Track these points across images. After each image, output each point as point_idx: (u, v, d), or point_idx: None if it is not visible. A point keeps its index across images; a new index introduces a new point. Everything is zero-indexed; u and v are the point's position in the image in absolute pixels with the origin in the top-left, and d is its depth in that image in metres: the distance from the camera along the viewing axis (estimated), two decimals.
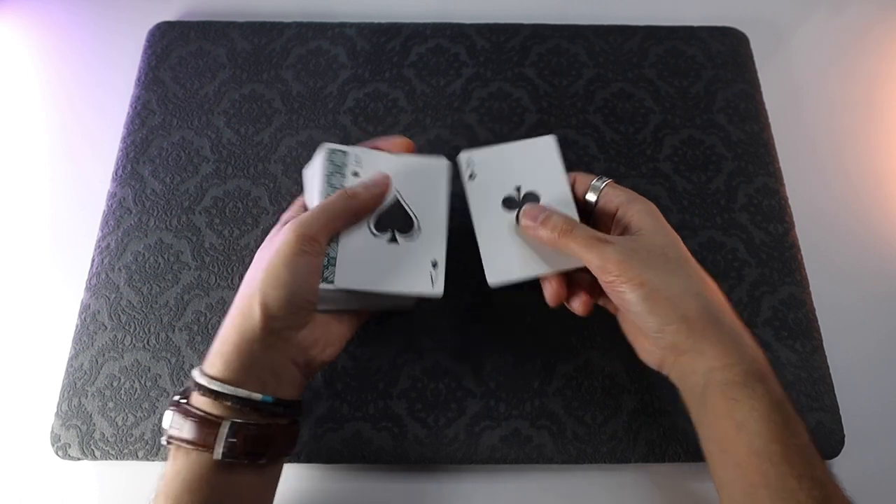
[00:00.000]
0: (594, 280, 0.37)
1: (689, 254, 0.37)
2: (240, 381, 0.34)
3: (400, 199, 0.39)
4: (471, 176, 0.40)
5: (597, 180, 0.40)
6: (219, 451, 0.32)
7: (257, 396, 0.34)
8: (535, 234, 0.38)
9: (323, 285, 0.36)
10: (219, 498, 0.33)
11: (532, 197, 0.40)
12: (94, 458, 0.42)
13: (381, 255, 0.38)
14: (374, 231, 0.38)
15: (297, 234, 0.35)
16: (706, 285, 0.36)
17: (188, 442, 0.33)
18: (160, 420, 0.42)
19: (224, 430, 0.33)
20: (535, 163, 0.41)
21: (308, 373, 0.38)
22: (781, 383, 0.34)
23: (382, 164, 0.39)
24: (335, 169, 0.38)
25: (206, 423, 0.33)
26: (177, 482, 0.33)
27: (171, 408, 0.34)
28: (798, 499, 0.31)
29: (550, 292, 0.39)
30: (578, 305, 0.39)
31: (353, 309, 0.40)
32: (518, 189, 0.40)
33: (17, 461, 0.44)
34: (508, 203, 0.40)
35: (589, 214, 0.40)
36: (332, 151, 0.39)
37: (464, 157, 0.40)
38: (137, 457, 0.42)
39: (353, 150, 0.39)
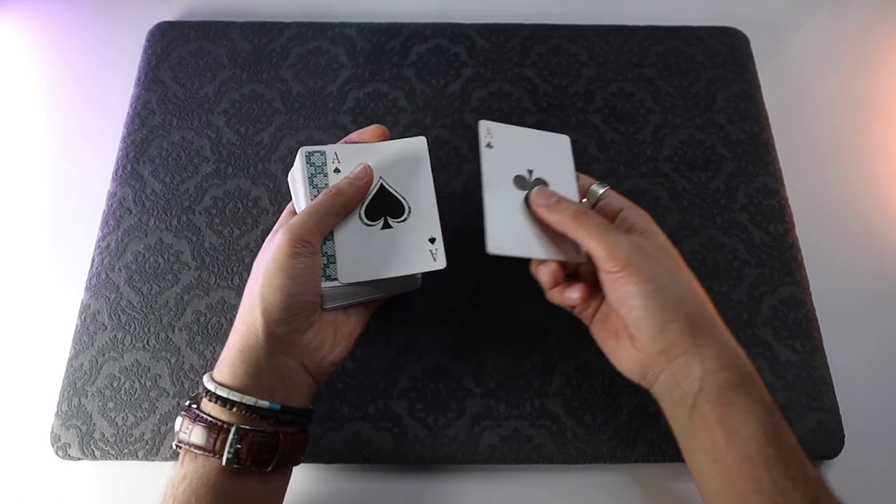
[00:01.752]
0: (593, 277, 0.37)
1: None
2: (247, 388, 0.34)
3: (385, 185, 0.39)
4: (488, 145, 0.40)
5: (597, 185, 0.40)
6: (225, 457, 0.33)
7: (264, 404, 0.34)
8: (545, 214, 0.37)
9: (327, 283, 0.36)
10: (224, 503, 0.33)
11: (542, 183, 0.40)
12: (94, 458, 0.42)
13: (378, 243, 0.38)
14: (366, 221, 0.38)
15: (289, 237, 0.35)
16: (699, 288, 0.37)
17: (196, 447, 0.33)
18: (160, 420, 0.43)
19: (231, 436, 0.33)
20: (549, 155, 0.41)
21: (319, 376, 0.38)
22: (776, 385, 0.34)
23: (361, 155, 0.40)
24: (316, 170, 0.39)
25: (214, 429, 0.33)
26: (183, 486, 0.33)
27: (182, 413, 0.35)
28: (793, 500, 0.31)
29: (547, 273, 0.38)
30: (574, 293, 0.38)
31: (361, 301, 0.40)
32: (530, 172, 0.40)
33: (17, 461, 0.44)
34: (519, 182, 0.39)
35: None
36: (310, 153, 0.39)
37: (484, 125, 0.40)
38: (137, 457, 0.42)
39: (330, 148, 0.40)
